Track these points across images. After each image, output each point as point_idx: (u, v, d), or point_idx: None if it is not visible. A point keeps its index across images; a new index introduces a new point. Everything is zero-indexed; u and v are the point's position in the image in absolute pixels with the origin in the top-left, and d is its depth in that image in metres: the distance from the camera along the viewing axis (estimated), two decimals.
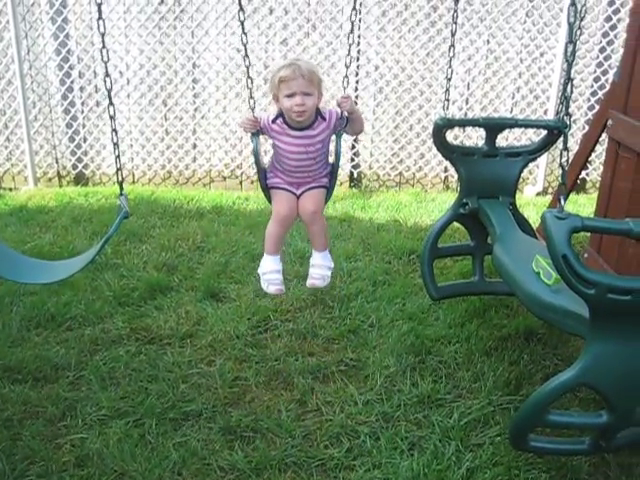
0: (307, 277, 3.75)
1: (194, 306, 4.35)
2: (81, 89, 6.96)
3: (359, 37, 6.87)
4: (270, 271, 3.61)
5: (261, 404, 3.40)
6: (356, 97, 7.08)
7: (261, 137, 3.58)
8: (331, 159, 3.64)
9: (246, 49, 3.43)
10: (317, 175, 3.59)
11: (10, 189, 7.12)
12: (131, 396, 3.42)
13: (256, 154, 3.54)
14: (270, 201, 3.64)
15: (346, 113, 3.48)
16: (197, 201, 6.62)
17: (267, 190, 3.63)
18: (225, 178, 7.29)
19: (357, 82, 7.04)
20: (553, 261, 2.26)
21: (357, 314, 4.27)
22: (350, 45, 3.49)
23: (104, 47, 3.01)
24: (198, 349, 3.88)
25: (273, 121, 3.49)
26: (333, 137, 3.56)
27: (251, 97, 3.49)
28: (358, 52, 6.93)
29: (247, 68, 3.45)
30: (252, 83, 3.47)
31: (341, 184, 7.13)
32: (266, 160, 3.77)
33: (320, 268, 3.68)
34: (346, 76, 3.50)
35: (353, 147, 7.23)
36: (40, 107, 6.99)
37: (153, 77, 6.95)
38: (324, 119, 3.49)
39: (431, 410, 3.37)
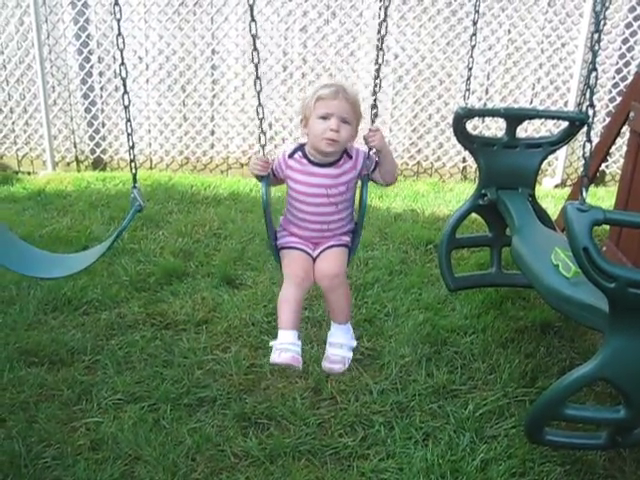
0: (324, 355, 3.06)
1: (210, 292, 4.36)
2: (100, 74, 6.96)
3: (379, 25, 6.81)
4: (285, 342, 2.83)
5: (276, 391, 3.40)
6: (374, 86, 7.02)
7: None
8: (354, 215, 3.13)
9: (255, 41, 2.82)
10: (338, 230, 3.04)
11: (28, 173, 7.15)
12: (146, 381, 3.43)
13: (265, 203, 2.97)
14: (280, 264, 3.06)
15: (375, 150, 2.94)
16: (214, 188, 6.61)
17: (277, 251, 3.08)
18: (242, 165, 7.27)
19: (376, 70, 6.98)
20: (574, 254, 2.24)
21: (373, 303, 4.26)
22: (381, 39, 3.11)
23: (119, 34, 2.96)
24: (213, 335, 3.89)
25: (290, 155, 2.98)
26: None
27: (262, 132, 2.93)
28: (378, 40, 6.87)
29: (256, 67, 2.87)
30: (263, 115, 2.93)
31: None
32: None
33: (340, 348, 2.99)
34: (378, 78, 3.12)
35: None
36: (59, 91, 7.00)
37: (172, 63, 6.93)
38: (350, 157, 2.97)
39: (446, 401, 3.37)
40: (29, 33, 6.69)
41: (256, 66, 2.84)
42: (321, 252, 2.99)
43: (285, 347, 2.79)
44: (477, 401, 3.34)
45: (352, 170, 2.96)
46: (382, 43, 3.08)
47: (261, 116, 2.91)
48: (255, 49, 2.81)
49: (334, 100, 2.83)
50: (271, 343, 2.86)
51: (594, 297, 2.52)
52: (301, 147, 2.98)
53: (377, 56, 3.04)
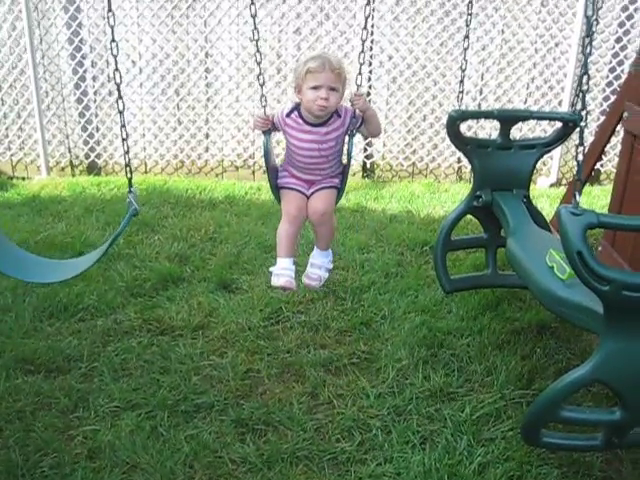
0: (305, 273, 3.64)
1: (206, 297, 4.35)
2: (94, 78, 6.96)
3: (372, 27, 6.82)
4: (282, 268, 3.43)
5: (273, 397, 3.40)
6: (369, 87, 7.04)
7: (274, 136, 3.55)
8: (344, 159, 3.53)
9: (257, 45, 3.42)
10: (328, 174, 3.50)
11: (23, 178, 7.15)
12: (143, 388, 3.43)
13: (267, 153, 3.49)
14: (279, 201, 3.56)
15: (359, 112, 3.37)
16: (209, 191, 6.61)
17: (277, 190, 3.56)
18: (238, 168, 7.28)
19: (370, 72, 6.99)
20: (568, 257, 2.24)
21: (369, 306, 4.26)
22: (364, 41, 3.37)
23: (113, 40, 3.00)
24: (210, 341, 3.88)
25: (287, 115, 3.43)
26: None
27: (262, 95, 3.49)
28: (372, 42, 6.89)
29: (259, 64, 3.45)
30: (264, 81, 3.49)
31: (354, 174, 7.11)
32: (278, 160, 3.67)
33: (319, 268, 3.61)
34: (360, 73, 3.40)
35: (366, 137, 7.20)
36: (53, 96, 6.99)
37: (166, 66, 6.93)
38: (339, 116, 3.39)
39: (443, 404, 3.36)
40: (22, 38, 6.69)
41: (259, 64, 3.44)
42: (314, 192, 3.48)
43: (281, 272, 3.40)
44: (474, 404, 3.34)
45: (340, 127, 3.39)
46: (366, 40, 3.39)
47: (262, 82, 3.48)
48: (258, 51, 3.44)
49: (322, 73, 3.23)
50: (270, 269, 3.48)
51: (589, 299, 2.52)
52: (297, 107, 3.40)
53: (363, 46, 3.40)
